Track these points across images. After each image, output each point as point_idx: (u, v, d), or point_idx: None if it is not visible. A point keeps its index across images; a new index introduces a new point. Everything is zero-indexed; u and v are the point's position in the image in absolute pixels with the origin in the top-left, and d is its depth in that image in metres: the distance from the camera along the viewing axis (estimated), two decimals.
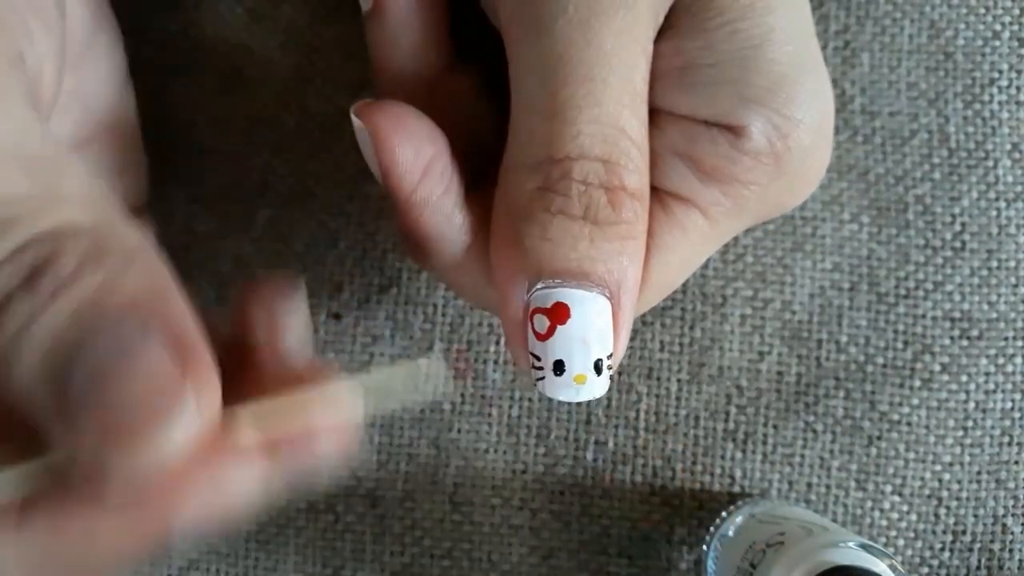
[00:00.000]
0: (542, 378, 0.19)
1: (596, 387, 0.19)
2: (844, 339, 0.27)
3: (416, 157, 0.19)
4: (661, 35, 0.19)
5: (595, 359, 0.18)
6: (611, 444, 0.27)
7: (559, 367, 0.18)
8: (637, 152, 0.19)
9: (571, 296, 0.18)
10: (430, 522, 0.27)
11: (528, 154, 0.19)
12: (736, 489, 0.27)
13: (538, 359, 0.19)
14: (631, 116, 0.18)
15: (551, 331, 0.18)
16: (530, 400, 0.28)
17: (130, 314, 0.15)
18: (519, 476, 0.27)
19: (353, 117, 0.19)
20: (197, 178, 0.29)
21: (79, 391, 0.14)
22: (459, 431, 0.28)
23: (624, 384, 0.27)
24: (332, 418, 0.16)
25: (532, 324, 0.18)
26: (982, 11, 0.28)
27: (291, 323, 0.18)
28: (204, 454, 0.15)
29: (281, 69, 0.29)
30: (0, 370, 0.15)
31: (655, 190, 0.20)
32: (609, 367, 0.19)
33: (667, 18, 0.19)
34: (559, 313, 0.18)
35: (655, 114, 0.20)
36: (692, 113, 0.19)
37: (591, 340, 0.18)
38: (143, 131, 0.29)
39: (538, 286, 0.18)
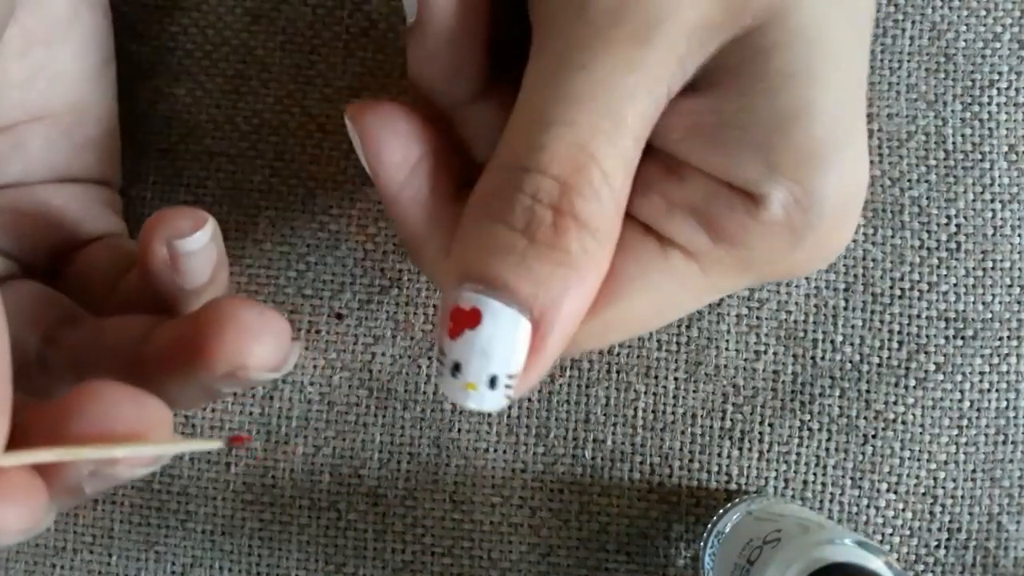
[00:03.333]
0: (441, 374, 0.18)
1: (486, 401, 0.18)
2: (839, 338, 0.28)
3: (403, 158, 0.19)
4: (698, 90, 0.19)
5: (492, 373, 0.18)
6: (609, 442, 0.28)
7: (456, 369, 0.18)
8: (604, 184, 0.18)
9: (487, 305, 0.17)
10: (431, 520, 0.28)
11: (499, 156, 0.19)
12: (733, 486, 0.27)
13: (443, 354, 0.18)
14: (608, 147, 0.18)
15: (459, 333, 0.18)
16: (529, 400, 0.28)
17: None
18: (519, 475, 0.28)
19: (346, 119, 0.20)
20: (200, 181, 0.29)
21: None
22: (460, 431, 0.28)
23: (622, 382, 0.28)
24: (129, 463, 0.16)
25: (449, 320, 0.18)
26: (983, 13, 0.28)
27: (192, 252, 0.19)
28: None
29: (282, 71, 0.29)
30: None
31: (664, 237, 0.19)
32: (507, 386, 0.18)
33: (707, 74, 0.19)
34: (471, 318, 0.18)
35: (680, 166, 0.19)
36: (716, 172, 0.19)
37: (493, 353, 0.18)
38: (145, 133, 0.29)
39: (466, 286, 0.18)
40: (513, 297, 0.17)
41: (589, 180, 0.17)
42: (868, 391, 0.27)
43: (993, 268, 0.27)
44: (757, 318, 0.28)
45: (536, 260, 0.17)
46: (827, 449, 0.27)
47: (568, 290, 0.18)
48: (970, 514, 0.27)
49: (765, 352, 0.28)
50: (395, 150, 0.19)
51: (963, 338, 0.27)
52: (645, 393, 0.28)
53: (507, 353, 0.18)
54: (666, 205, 0.19)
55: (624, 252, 0.19)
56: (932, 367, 0.27)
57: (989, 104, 0.28)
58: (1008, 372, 0.27)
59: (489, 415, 0.28)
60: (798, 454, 0.27)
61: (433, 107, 0.21)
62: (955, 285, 0.27)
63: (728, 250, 0.19)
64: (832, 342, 0.28)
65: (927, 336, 0.27)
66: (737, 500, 0.27)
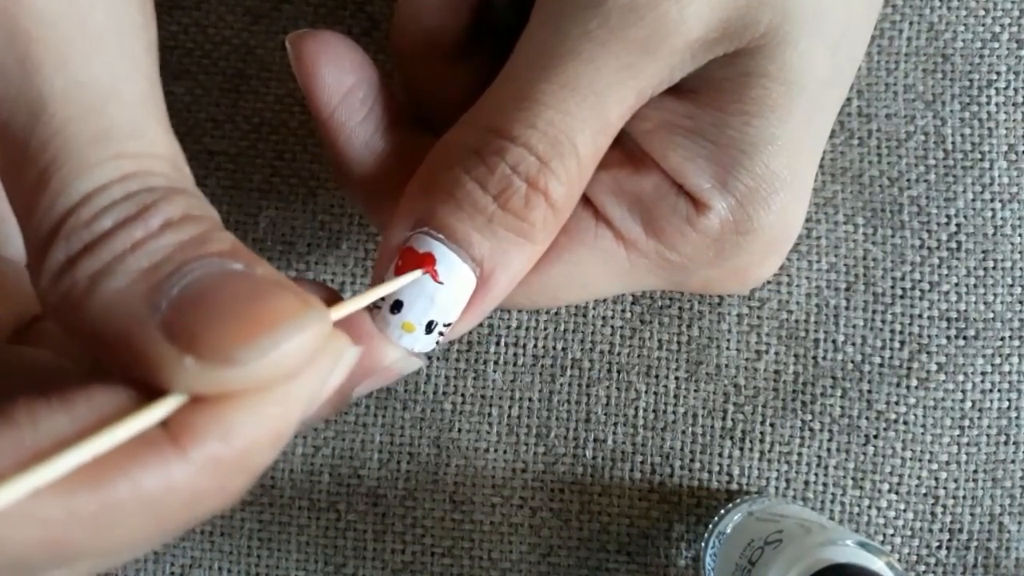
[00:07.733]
0: (378, 307, 0.19)
1: (419, 342, 0.19)
2: (841, 338, 0.28)
3: (336, 82, 0.20)
4: (678, 92, 0.20)
5: (431, 319, 0.19)
6: (610, 442, 0.28)
7: (397, 307, 0.19)
8: (577, 172, 0.19)
9: (443, 254, 0.19)
10: (431, 520, 0.28)
11: (485, 115, 0.19)
12: (734, 487, 0.27)
13: None
14: (590, 139, 0.19)
15: (409, 273, 0.19)
16: (530, 400, 0.28)
17: (230, 255, 0.15)
18: (519, 475, 0.28)
19: (287, 43, 0.20)
20: (200, 179, 0.29)
21: (185, 302, 0.14)
22: (460, 430, 0.28)
23: (623, 382, 0.28)
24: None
25: (399, 257, 0.19)
26: (981, 13, 0.28)
27: None
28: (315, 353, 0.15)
29: (283, 70, 0.29)
30: (92, 292, 0.14)
31: (602, 215, 0.21)
32: (441, 333, 0.19)
33: (690, 79, 0.20)
34: (425, 262, 0.19)
35: (639, 156, 0.21)
36: (672, 171, 0.20)
37: (438, 300, 0.19)
38: None
39: (423, 229, 0.19)
40: (470, 253, 0.19)
41: (566, 165, 0.19)
42: (870, 391, 0.27)
43: (994, 268, 0.27)
44: (758, 317, 0.28)
45: (501, 225, 0.19)
46: (828, 449, 0.27)
47: (519, 256, 0.19)
48: (972, 515, 0.27)
49: (766, 352, 0.28)
50: (330, 72, 0.20)
51: (965, 338, 0.27)
52: (646, 392, 0.28)
53: (451, 304, 0.19)
54: (615, 188, 0.21)
55: None
56: (934, 367, 0.27)
57: (988, 104, 0.28)
58: (1010, 372, 0.27)
59: (489, 414, 0.28)
60: (799, 454, 0.27)
61: (407, 66, 0.23)
62: (956, 285, 0.27)
63: (656, 247, 0.21)
64: (834, 342, 0.28)
65: (929, 336, 0.27)
66: (738, 500, 0.27)
